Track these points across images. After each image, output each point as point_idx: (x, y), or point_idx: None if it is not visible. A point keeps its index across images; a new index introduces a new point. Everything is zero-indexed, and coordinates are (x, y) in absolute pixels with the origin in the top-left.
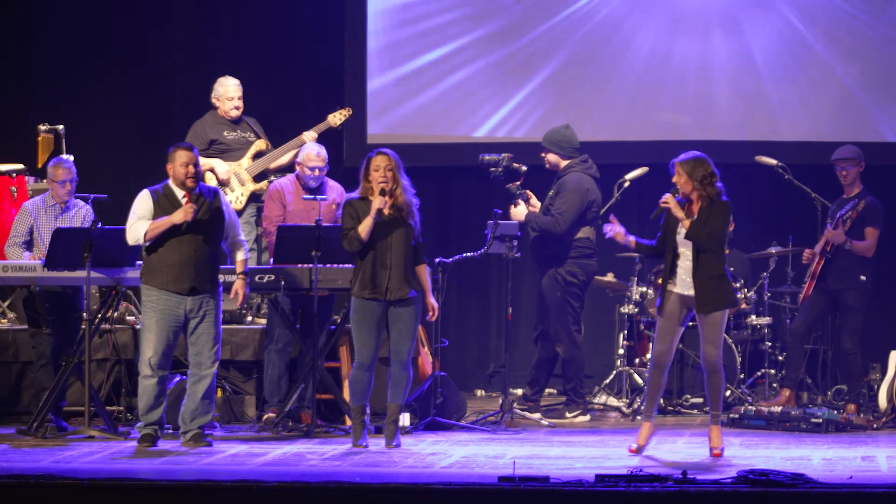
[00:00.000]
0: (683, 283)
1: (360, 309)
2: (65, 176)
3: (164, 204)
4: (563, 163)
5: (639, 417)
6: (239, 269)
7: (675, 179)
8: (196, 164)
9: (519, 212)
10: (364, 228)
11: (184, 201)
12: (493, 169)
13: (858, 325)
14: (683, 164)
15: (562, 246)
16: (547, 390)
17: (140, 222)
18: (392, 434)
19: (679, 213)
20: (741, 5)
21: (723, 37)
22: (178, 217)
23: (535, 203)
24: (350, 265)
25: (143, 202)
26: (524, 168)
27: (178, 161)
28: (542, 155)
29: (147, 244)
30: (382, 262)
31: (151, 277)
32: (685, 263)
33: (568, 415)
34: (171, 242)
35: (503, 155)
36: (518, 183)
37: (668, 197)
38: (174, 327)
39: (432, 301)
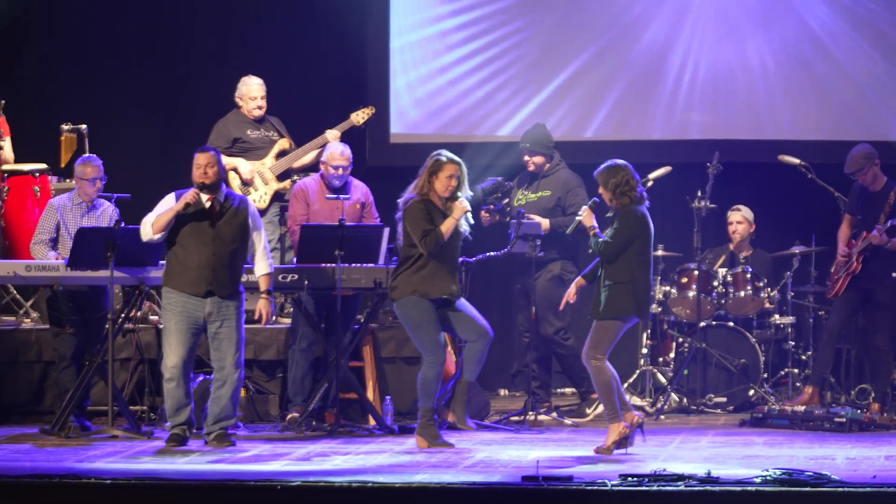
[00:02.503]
0: None
1: (427, 309)
2: (94, 174)
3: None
4: (547, 163)
5: (663, 417)
6: (262, 286)
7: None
8: (212, 166)
9: (541, 220)
10: (447, 230)
11: (207, 203)
12: (495, 195)
13: (890, 323)
14: (598, 175)
15: (567, 244)
16: (559, 390)
17: (149, 218)
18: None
19: (587, 223)
20: (764, 5)
21: (746, 36)
22: (180, 205)
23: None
24: (373, 265)
25: (165, 203)
26: (512, 185)
27: (194, 163)
28: (528, 158)
29: (160, 238)
30: (450, 263)
31: (170, 279)
32: None
33: (588, 411)
34: (191, 245)
35: (497, 179)
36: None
37: (585, 208)
38: (193, 329)
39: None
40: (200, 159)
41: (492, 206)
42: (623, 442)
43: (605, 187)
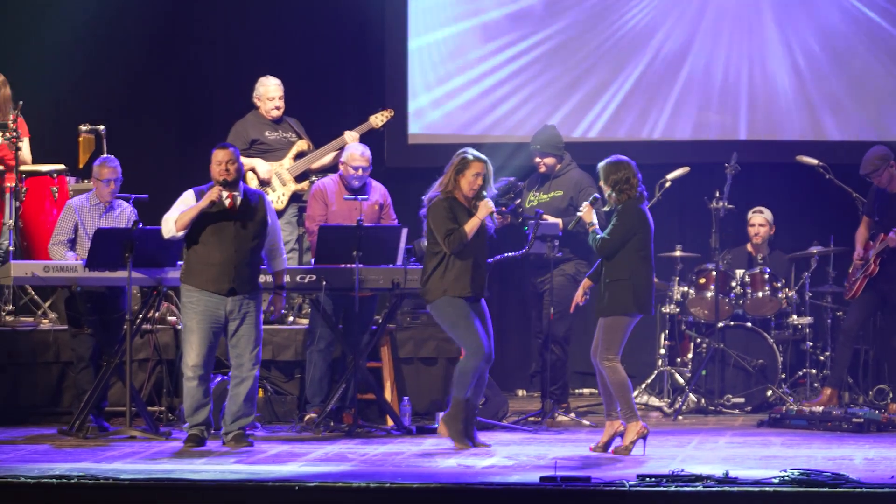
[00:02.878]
0: None
1: (461, 305)
2: (110, 175)
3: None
4: (558, 163)
5: (680, 417)
6: (277, 281)
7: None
8: (233, 163)
9: (554, 220)
10: (471, 229)
11: (227, 202)
12: (509, 195)
13: None
14: (601, 168)
15: (581, 243)
16: (577, 390)
17: (171, 215)
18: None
19: (587, 219)
20: (783, 5)
21: (764, 37)
22: (205, 202)
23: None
24: (391, 265)
25: (185, 199)
26: (523, 185)
27: (213, 160)
28: (539, 160)
29: (182, 236)
30: (478, 261)
31: (191, 277)
32: None
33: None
34: (213, 242)
35: (509, 180)
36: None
37: (585, 204)
38: (214, 328)
39: None
40: (221, 156)
41: (503, 208)
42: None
43: (605, 182)
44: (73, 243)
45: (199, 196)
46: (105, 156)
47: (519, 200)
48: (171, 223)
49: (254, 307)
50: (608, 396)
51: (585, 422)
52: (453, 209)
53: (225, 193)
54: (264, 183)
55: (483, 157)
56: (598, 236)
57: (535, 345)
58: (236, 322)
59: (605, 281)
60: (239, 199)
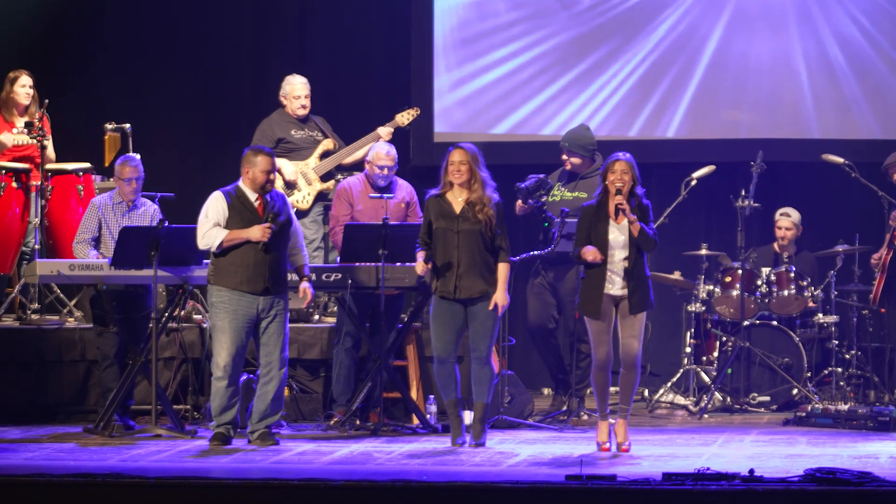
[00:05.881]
0: (612, 283)
1: (436, 305)
2: (131, 174)
3: (238, 207)
4: (587, 164)
5: (706, 416)
6: (302, 273)
7: (622, 178)
8: (273, 171)
9: None
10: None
11: (256, 203)
12: (538, 193)
13: None
14: (629, 164)
15: None
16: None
17: (216, 230)
18: (478, 433)
19: (632, 217)
20: (808, 3)
21: (789, 35)
22: (256, 235)
23: None
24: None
25: (217, 205)
26: (551, 182)
27: (259, 167)
28: (565, 158)
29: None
30: (452, 260)
31: (223, 278)
32: (612, 265)
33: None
34: (249, 244)
35: (539, 177)
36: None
37: (620, 198)
38: (247, 328)
39: (499, 295)
40: (265, 163)
41: (532, 203)
42: None
43: (629, 174)
44: (97, 242)
45: (227, 198)
46: (127, 154)
47: (546, 199)
48: (216, 241)
49: (284, 306)
50: (626, 394)
51: (611, 420)
52: (429, 209)
53: (268, 233)
54: (290, 184)
55: (463, 145)
56: (651, 234)
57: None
58: (268, 320)
59: (635, 276)
60: (271, 203)
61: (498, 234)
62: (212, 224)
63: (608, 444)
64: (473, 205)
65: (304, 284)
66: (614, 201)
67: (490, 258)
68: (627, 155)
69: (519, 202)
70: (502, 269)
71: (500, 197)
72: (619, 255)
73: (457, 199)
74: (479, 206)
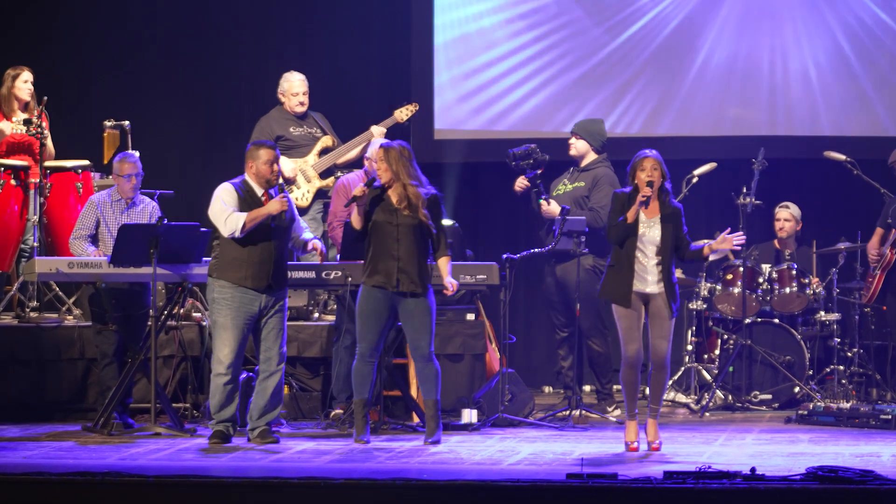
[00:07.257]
0: (643, 281)
1: (367, 298)
2: (130, 170)
3: (247, 199)
4: (591, 156)
5: (707, 414)
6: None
7: (652, 175)
8: (277, 163)
9: (553, 209)
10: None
11: (263, 199)
12: (523, 162)
13: None
14: (657, 160)
15: (597, 237)
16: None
17: (236, 214)
18: (431, 430)
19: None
20: (810, 1)
21: (793, 32)
22: (276, 208)
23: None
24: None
25: (230, 194)
26: (547, 157)
27: (263, 159)
28: (571, 141)
29: (233, 237)
30: (390, 253)
31: (226, 272)
32: (645, 261)
33: (609, 409)
34: (252, 240)
35: (530, 146)
36: (538, 173)
37: (650, 190)
38: (248, 324)
39: (449, 278)
40: (268, 155)
41: (523, 174)
42: None
43: (659, 170)
44: (94, 239)
45: (238, 190)
46: (125, 151)
47: (540, 170)
48: (239, 224)
49: (283, 303)
50: (656, 393)
51: (612, 418)
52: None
53: (286, 204)
54: (289, 181)
55: (386, 144)
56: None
57: (556, 341)
58: (268, 317)
59: (665, 276)
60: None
61: (434, 232)
62: (231, 210)
63: (636, 444)
64: (408, 199)
65: (312, 240)
66: (643, 192)
67: (426, 254)
68: (654, 152)
69: (518, 180)
70: (444, 262)
71: (436, 189)
72: (651, 252)
73: (396, 194)
74: (406, 203)
